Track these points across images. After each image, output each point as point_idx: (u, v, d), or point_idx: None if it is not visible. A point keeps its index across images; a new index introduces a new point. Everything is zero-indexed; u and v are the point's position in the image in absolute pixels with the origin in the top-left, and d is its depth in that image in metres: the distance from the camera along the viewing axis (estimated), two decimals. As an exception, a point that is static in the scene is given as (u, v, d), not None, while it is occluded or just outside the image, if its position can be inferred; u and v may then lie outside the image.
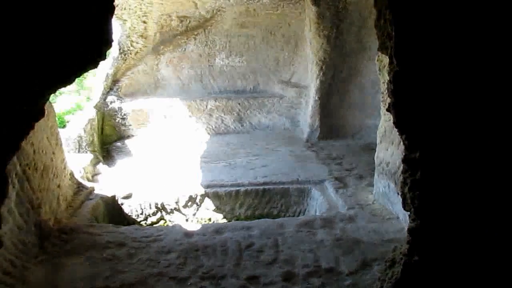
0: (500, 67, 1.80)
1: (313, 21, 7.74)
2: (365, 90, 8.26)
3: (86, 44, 1.72)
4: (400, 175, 2.23)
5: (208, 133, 8.65)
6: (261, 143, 7.96)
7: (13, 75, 1.61)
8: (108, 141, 7.94)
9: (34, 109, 1.68)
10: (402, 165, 2.03)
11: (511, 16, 1.74)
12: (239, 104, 8.75)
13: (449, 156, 1.78)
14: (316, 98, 8.04)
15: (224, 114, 8.70)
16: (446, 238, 1.85)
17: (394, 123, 1.98)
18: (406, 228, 4.11)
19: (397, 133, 2.08)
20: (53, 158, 4.65)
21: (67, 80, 1.80)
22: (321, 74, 7.91)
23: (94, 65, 1.87)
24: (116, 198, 5.52)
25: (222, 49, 9.10)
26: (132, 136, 8.33)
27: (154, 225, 5.24)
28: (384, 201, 4.83)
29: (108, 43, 1.88)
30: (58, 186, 4.74)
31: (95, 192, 5.50)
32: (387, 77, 4.64)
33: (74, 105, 22.96)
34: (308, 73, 8.48)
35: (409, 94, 1.90)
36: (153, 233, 4.18)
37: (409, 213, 2.00)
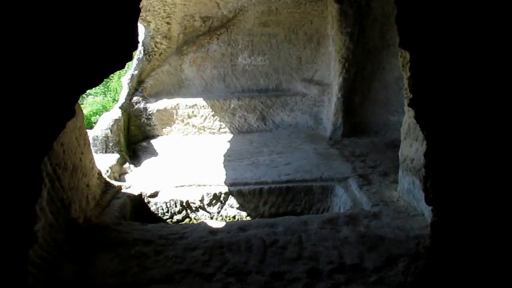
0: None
1: (336, 19, 7.71)
2: (388, 87, 8.19)
3: (114, 47, 1.79)
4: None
5: (232, 132, 8.73)
6: (284, 141, 7.98)
7: (46, 76, 1.69)
8: (134, 141, 8.10)
9: (66, 109, 1.76)
10: (424, 159, 2.03)
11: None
12: (262, 103, 8.79)
13: (470, 151, 1.77)
14: (339, 95, 8.00)
15: (247, 113, 8.75)
16: (469, 233, 1.84)
17: (415, 118, 1.98)
18: (431, 225, 4.08)
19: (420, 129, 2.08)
20: (82, 158, 4.78)
21: (96, 81, 1.88)
22: (344, 71, 7.87)
23: (121, 66, 1.94)
24: (143, 197, 5.64)
25: (245, 48, 9.16)
26: (157, 135, 8.48)
27: (180, 223, 5.33)
28: (409, 198, 4.78)
29: (134, 45, 1.94)
30: (87, 185, 4.87)
31: (122, 191, 5.64)
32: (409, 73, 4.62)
33: (100, 107, 23.49)
34: (331, 71, 8.45)
35: (429, 89, 1.90)
36: (179, 231, 4.25)
37: (432, 208, 2.00)
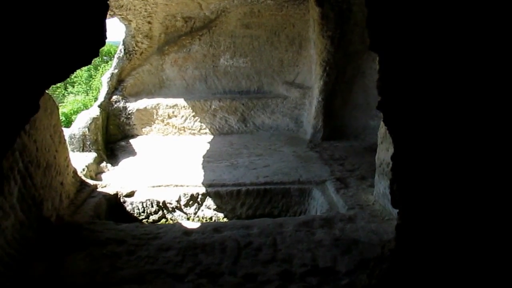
0: (489, 66, 1.81)
1: (317, 22, 7.76)
2: (369, 91, 8.26)
3: (80, 42, 1.76)
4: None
5: (212, 133, 8.70)
6: (264, 144, 7.98)
7: (9, 71, 1.65)
8: (113, 140, 8.01)
9: (28, 104, 1.72)
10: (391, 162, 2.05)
11: (499, 13, 1.75)
12: (243, 104, 8.78)
13: (436, 154, 1.79)
14: (320, 99, 8.05)
15: (228, 114, 8.73)
16: (433, 235, 1.86)
17: (383, 121, 2.00)
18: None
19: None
20: (56, 155, 4.70)
21: (60, 76, 1.84)
22: (324, 75, 7.92)
23: (87, 62, 1.91)
24: (119, 196, 5.57)
25: (227, 49, 9.15)
26: (137, 135, 8.40)
27: (155, 223, 5.28)
28: (384, 201, 4.82)
29: (101, 41, 1.91)
30: (61, 183, 4.79)
31: (98, 190, 5.56)
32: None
33: (81, 105, 23.16)
34: (312, 74, 8.50)
35: (396, 92, 1.92)
36: (152, 231, 4.21)
37: (397, 211, 2.02)
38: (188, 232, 4.19)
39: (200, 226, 4.34)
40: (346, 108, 8.36)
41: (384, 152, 4.82)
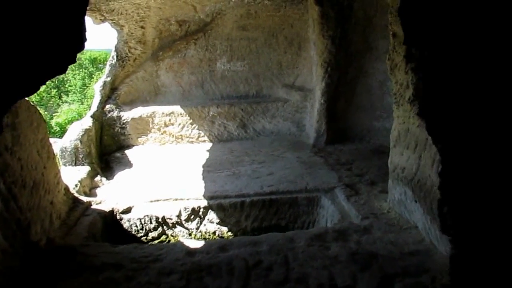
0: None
1: (317, 22, 7.44)
2: (372, 92, 7.96)
3: (53, 44, 1.42)
4: (434, 191, 1.91)
5: (211, 141, 8.35)
6: (266, 150, 7.65)
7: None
8: (107, 151, 7.65)
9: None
10: (438, 179, 1.71)
11: None
12: (242, 109, 8.45)
13: (497, 169, 1.48)
14: (322, 101, 7.72)
15: (226, 121, 8.39)
16: (495, 269, 1.53)
17: (427, 130, 1.68)
18: (426, 239, 3.78)
19: (431, 142, 1.76)
20: (44, 172, 4.35)
21: (28, 90, 1.49)
22: (326, 76, 7.60)
23: (62, 70, 1.57)
24: (115, 213, 5.22)
25: (223, 53, 8.82)
26: (132, 145, 8.05)
27: (154, 243, 4.92)
28: (401, 209, 4.49)
29: (80, 43, 1.57)
30: (51, 202, 4.44)
31: (92, 207, 5.20)
32: (400, 78, 4.34)
33: (76, 115, 22.77)
34: (313, 75, 8.18)
35: (444, 94, 1.59)
36: (152, 253, 3.86)
37: (449, 238, 1.69)
38: (191, 252, 3.85)
39: (204, 244, 3.99)
40: (349, 110, 8.04)
41: (398, 156, 4.48)
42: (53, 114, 25.32)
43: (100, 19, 6.77)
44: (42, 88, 30.64)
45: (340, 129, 7.98)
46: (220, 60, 8.84)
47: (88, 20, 7.02)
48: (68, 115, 22.78)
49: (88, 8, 6.00)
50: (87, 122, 6.93)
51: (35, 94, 29.13)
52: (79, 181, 5.65)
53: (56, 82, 34.51)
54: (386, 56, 7.34)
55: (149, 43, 8.27)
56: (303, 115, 8.47)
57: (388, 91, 7.83)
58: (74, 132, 6.43)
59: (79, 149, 6.29)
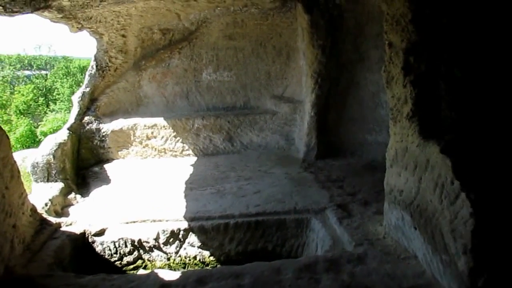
0: None
1: (306, 31, 7.13)
2: (364, 104, 7.65)
3: None
4: (436, 218, 1.55)
5: (196, 155, 7.95)
6: (253, 165, 7.26)
7: None
8: (85, 165, 7.21)
9: None
10: (469, 238, 1.34)
11: None
12: (228, 122, 8.07)
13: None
14: (312, 113, 7.38)
15: (212, 133, 8.01)
16: None
17: (453, 171, 1.31)
18: (427, 272, 3.40)
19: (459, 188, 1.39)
20: (6, 193, 3.92)
21: None
22: (316, 87, 7.27)
23: None
24: (87, 235, 4.79)
25: (209, 63, 8.46)
26: (112, 159, 7.62)
27: (125, 274, 4.46)
28: (398, 235, 4.12)
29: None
30: (13, 226, 4.00)
31: (62, 229, 4.77)
32: (397, 91, 4.00)
33: (61, 124, 22.18)
34: (303, 86, 7.85)
35: (477, 121, 1.24)
36: (121, 286, 3.43)
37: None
38: (165, 285, 3.43)
39: (181, 276, 3.57)
40: (340, 122, 7.71)
41: (395, 177, 4.13)
42: (38, 123, 24.77)
43: (77, 27, 6.36)
44: (29, 96, 30.07)
45: (330, 142, 7.63)
46: (206, 70, 8.48)
47: (64, 28, 6.62)
48: (54, 124, 22.25)
49: (62, 15, 5.62)
50: (61, 135, 6.49)
51: (22, 102, 28.54)
52: (50, 200, 5.22)
53: (44, 90, 33.99)
54: (382, 68, 7.04)
55: (131, 52, 7.88)
56: (292, 128, 8.12)
57: (381, 103, 7.53)
58: (47, 146, 5.99)
59: (52, 164, 5.85)
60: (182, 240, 4.92)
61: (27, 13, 4.14)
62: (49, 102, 31.93)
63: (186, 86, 8.51)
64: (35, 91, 31.80)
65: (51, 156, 5.86)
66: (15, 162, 4.27)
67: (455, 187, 3.07)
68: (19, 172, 4.36)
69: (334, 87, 7.49)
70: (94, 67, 7.63)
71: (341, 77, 7.49)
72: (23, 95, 29.58)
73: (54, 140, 6.19)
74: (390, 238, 4.25)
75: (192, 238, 4.93)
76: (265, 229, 5.02)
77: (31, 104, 29.81)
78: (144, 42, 7.98)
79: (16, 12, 3.97)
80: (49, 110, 29.34)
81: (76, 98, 7.50)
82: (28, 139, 21.60)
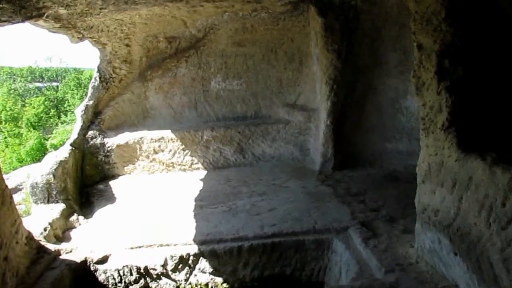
0: None
1: (320, 34, 6.71)
2: (383, 110, 7.20)
3: None
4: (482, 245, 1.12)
5: (205, 168, 7.54)
6: (267, 178, 6.83)
7: None
8: (89, 183, 6.85)
9: None
10: None
11: None
12: (239, 132, 7.66)
13: None
14: (328, 122, 6.94)
15: (222, 145, 7.60)
16: None
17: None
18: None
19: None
20: (-3, 223, 3.55)
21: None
22: (332, 94, 6.83)
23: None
24: (88, 264, 4.40)
25: (218, 71, 8.08)
26: (118, 175, 7.24)
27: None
28: (433, 260, 3.65)
29: None
30: (5, 258, 3.63)
31: (61, 257, 4.38)
32: (430, 99, 3.55)
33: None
34: (317, 94, 7.43)
35: None
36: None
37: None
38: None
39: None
40: (358, 131, 7.26)
41: (429, 195, 3.66)
42: (48, 136, 24.63)
43: (78, 37, 6.02)
44: (40, 108, 30.09)
45: (348, 152, 7.19)
46: (215, 78, 8.11)
47: (65, 38, 6.29)
48: (64, 136, 22.05)
49: (60, 24, 5.27)
50: (62, 152, 6.12)
51: (33, 114, 28.54)
52: (49, 223, 4.84)
53: (55, 102, 34.04)
54: (400, 72, 6.57)
55: (135, 62, 7.54)
56: (306, 137, 7.68)
57: (401, 109, 7.09)
58: (47, 165, 5.62)
59: (52, 184, 5.48)
60: (192, 266, 4.50)
61: (18, 22, 3.78)
62: (60, 113, 31.93)
63: (194, 96, 8.13)
64: (46, 103, 31.89)
65: (51, 176, 5.49)
66: (6, 186, 3.90)
67: (507, 209, 2.63)
68: (11, 197, 4.00)
69: (351, 94, 7.05)
70: (98, 78, 7.29)
71: (358, 83, 7.06)
72: (34, 107, 29.60)
73: (54, 157, 5.83)
74: (424, 262, 3.79)
75: (203, 263, 4.51)
76: (283, 251, 4.60)
77: (42, 116, 29.79)
78: (149, 51, 7.63)
79: (5, 21, 3.62)
80: (60, 122, 29.27)
81: (79, 111, 7.16)
82: (38, 152, 21.42)
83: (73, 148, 6.57)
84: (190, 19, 7.23)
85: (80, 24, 5.70)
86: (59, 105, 33.60)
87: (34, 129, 26.52)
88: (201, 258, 4.51)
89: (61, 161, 5.78)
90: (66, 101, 33.30)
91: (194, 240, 4.63)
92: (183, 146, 7.48)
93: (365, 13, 6.66)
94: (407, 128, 7.11)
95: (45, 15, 4.16)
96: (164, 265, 4.44)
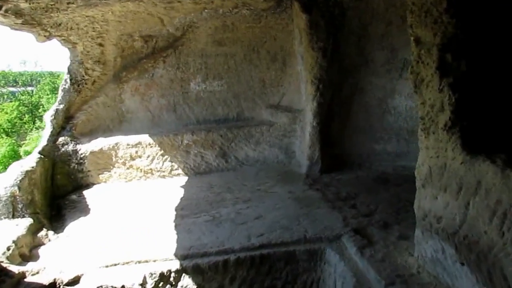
0: None
1: (305, 32, 6.42)
2: (370, 111, 6.97)
3: None
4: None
5: (186, 174, 7.16)
6: (252, 183, 6.49)
7: None
8: (62, 193, 6.38)
9: None
10: None
11: None
12: (221, 136, 7.31)
13: None
14: (315, 123, 6.65)
15: (204, 150, 7.23)
16: None
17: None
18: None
19: None
20: None
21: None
22: (318, 94, 6.55)
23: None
24: (58, 286, 3.95)
25: (198, 72, 7.70)
26: (92, 184, 6.79)
27: None
28: (436, 270, 3.37)
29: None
30: (-41, 285, 3.18)
31: (27, 279, 3.93)
32: (430, 97, 3.26)
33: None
34: (302, 94, 7.14)
35: None
36: None
37: None
38: None
39: None
40: (345, 132, 7.01)
41: (430, 200, 3.38)
42: (22, 143, 23.81)
43: (44, 36, 5.57)
44: (14, 113, 29.11)
45: (336, 155, 6.92)
46: (194, 79, 7.72)
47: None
48: (38, 142, 21.30)
49: (22, 20, 4.81)
50: (29, 162, 5.65)
51: (6, 120, 27.56)
52: (13, 241, 4.37)
53: (30, 107, 33.03)
54: (388, 71, 6.31)
55: (109, 62, 7.09)
56: (292, 140, 7.37)
57: (389, 109, 6.86)
58: (11, 176, 5.15)
59: (18, 197, 5.01)
60: (174, 283, 4.11)
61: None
62: (35, 119, 31.01)
63: (173, 98, 7.73)
64: (20, 108, 30.93)
65: (16, 188, 5.02)
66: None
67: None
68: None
69: (337, 94, 6.79)
70: (68, 81, 6.82)
71: (345, 83, 6.80)
72: (7, 113, 28.65)
73: (20, 167, 5.35)
74: (426, 273, 3.51)
75: (186, 280, 4.13)
76: (272, 264, 4.26)
77: (16, 122, 28.84)
78: (124, 51, 7.19)
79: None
80: (35, 128, 28.40)
81: (48, 116, 6.69)
82: (11, 160, 20.59)
83: (42, 156, 6.10)
84: (167, 17, 6.83)
85: (46, 21, 5.25)
86: (34, 110, 32.65)
87: (7, 135, 25.65)
88: (183, 274, 4.13)
89: (27, 171, 5.31)
90: (41, 106, 32.37)
91: (176, 255, 4.24)
92: (162, 151, 7.08)
93: (351, 9, 6.42)
94: (395, 128, 6.90)
95: (3, 8, 3.72)
96: (143, 284, 4.03)
